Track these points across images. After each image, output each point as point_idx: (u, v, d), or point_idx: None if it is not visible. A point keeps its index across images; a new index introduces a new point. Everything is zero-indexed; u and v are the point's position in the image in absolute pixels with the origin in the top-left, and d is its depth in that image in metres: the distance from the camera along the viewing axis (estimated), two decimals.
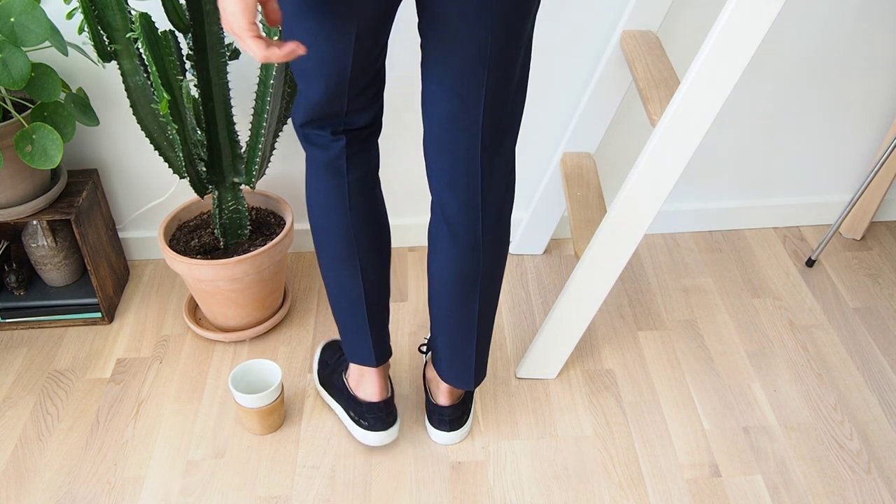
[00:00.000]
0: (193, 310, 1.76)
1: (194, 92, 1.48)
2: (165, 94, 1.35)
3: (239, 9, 0.93)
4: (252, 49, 0.97)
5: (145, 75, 1.43)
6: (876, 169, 1.75)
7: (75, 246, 1.76)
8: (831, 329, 1.72)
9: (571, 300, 1.48)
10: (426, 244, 1.76)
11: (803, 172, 1.94)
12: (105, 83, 1.66)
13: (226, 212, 1.62)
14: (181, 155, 1.47)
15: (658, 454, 1.46)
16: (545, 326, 1.53)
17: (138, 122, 1.48)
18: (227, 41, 1.51)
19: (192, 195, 1.85)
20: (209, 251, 1.66)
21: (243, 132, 1.73)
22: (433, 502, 1.39)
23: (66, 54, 1.41)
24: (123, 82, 1.43)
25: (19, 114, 1.47)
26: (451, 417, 1.45)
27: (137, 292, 1.85)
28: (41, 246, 1.70)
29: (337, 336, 1.67)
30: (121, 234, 1.90)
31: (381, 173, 1.83)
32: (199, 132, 1.51)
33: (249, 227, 1.67)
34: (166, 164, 1.73)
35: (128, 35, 1.37)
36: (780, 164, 1.92)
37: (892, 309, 1.77)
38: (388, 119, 1.75)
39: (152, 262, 1.93)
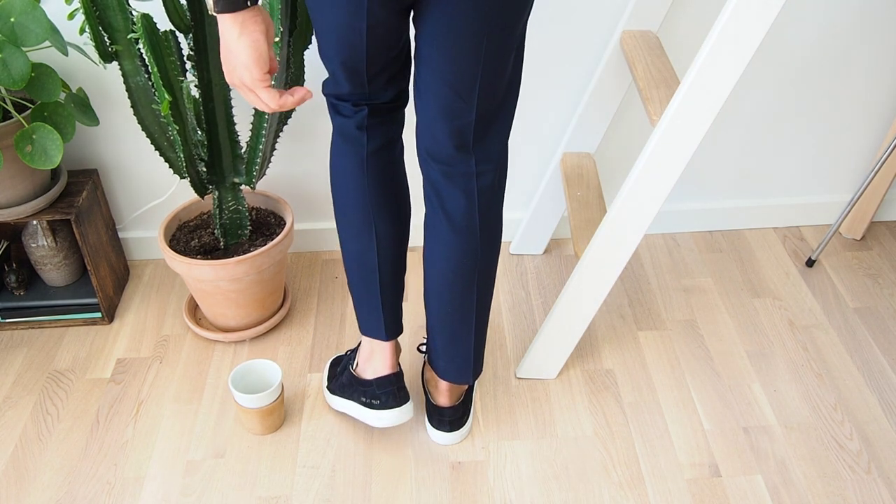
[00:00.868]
0: (193, 310, 1.76)
1: (195, 92, 1.48)
2: (166, 95, 1.36)
3: (252, 59, 0.89)
4: (265, 99, 0.93)
5: (146, 76, 1.43)
6: (876, 169, 1.75)
7: (75, 246, 1.76)
8: (831, 329, 1.72)
9: (571, 300, 1.48)
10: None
11: (803, 172, 1.94)
12: (105, 83, 1.66)
13: (226, 212, 1.62)
14: (182, 155, 1.47)
15: (658, 454, 1.46)
16: (545, 326, 1.53)
17: (139, 123, 1.48)
18: None
19: (192, 195, 1.85)
20: (209, 251, 1.66)
21: (244, 132, 1.73)
22: (433, 502, 1.39)
23: (66, 54, 1.41)
24: (124, 83, 1.43)
25: (19, 114, 1.47)
26: (452, 418, 1.45)
27: (137, 292, 1.85)
28: (41, 246, 1.70)
29: (340, 352, 1.67)
30: (121, 234, 1.90)
31: None
32: (199, 132, 1.51)
33: (250, 228, 1.67)
34: (166, 165, 1.73)
35: (129, 36, 1.37)
36: (780, 164, 1.92)
37: (892, 309, 1.77)
38: None
39: (152, 262, 1.93)
